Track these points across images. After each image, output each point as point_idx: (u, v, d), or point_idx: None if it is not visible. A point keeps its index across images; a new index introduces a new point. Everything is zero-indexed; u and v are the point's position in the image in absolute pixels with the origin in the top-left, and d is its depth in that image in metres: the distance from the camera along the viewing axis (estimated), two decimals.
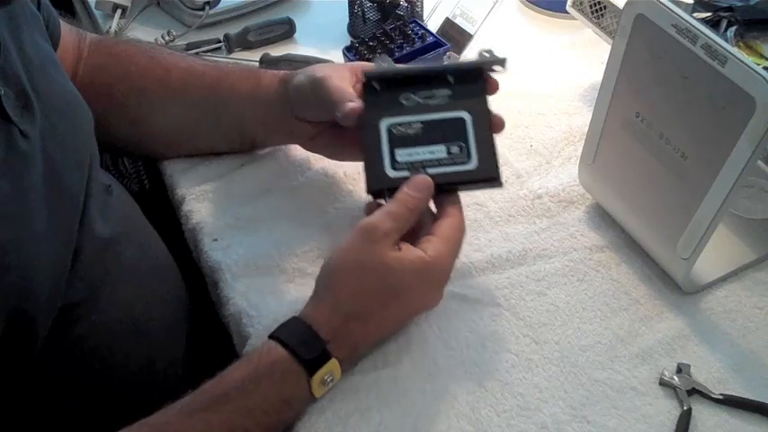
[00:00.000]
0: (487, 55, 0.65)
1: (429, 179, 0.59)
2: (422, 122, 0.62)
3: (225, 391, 0.53)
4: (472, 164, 0.60)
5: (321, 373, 0.54)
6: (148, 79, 0.74)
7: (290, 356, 0.53)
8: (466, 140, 0.61)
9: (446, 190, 0.60)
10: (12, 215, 0.51)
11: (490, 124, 0.62)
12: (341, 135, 0.69)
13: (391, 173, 0.60)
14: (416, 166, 0.60)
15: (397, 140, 0.61)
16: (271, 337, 0.55)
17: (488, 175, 0.59)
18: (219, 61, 0.83)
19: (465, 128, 0.61)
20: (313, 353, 0.54)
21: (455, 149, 0.60)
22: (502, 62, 0.64)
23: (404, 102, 0.63)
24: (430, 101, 0.63)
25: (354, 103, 0.62)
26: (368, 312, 0.56)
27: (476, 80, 0.63)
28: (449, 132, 0.61)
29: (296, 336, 0.54)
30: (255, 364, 0.54)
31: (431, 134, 0.61)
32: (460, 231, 0.58)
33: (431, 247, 0.56)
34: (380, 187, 0.60)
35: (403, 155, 0.60)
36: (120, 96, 0.74)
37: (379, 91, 0.64)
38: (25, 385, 0.57)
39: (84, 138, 0.64)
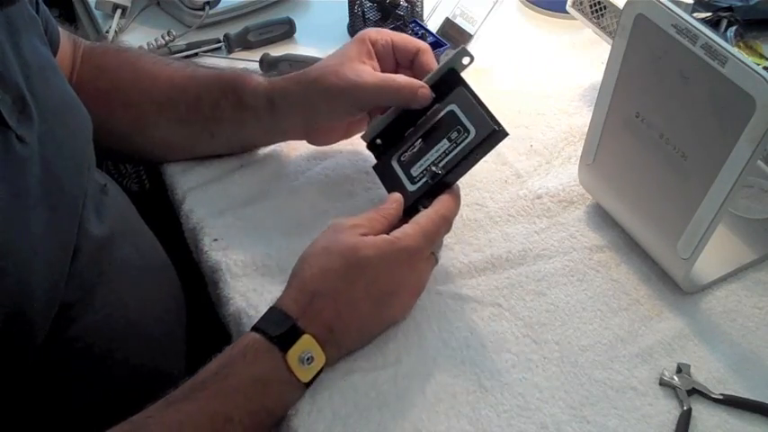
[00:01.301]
0: (446, 57, 0.68)
1: (398, 194, 0.63)
2: (421, 137, 0.66)
3: (201, 380, 0.53)
4: (471, 134, 0.63)
5: (295, 349, 0.54)
6: (133, 94, 0.74)
7: (260, 337, 0.54)
8: (460, 122, 0.64)
9: (466, 169, 0.63)
10: (9, 219, 0.51)
11: (476, 98, 0.65)
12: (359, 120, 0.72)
13: (412, 187, 0.63)
14: (428, 169, 0.63)
15: (408, 163, 0.65)
16: (249, 330, 0.56)
17: (488, 131, 0.62)
18: (200, 63, 0.82)
19: (456, 115, 0.64)
20: (281, 329, 0.54)
21: (454, 134, 0.63)
22: (466, 53, 0.67)
23: (406, 135, 0.67)
24: (423, 121, 0.67)
25: (424, 88, 0.66)
26: (334, 290, 0.56)
27: (454, 80, 0.67)
28: (445, 127, 0.65)
29: (266, 320, 0.56)
30: (230, 352, 0.54)
31: (431, 139, 0.65)
32: (434, 220, 0.60)
33: (398, 230, 0.59)
34: (409, 204, 0.63)
35: (416, 168, 0.64)
36: (110, 109, 0.73)
37: (384, 143, 0.68)
38: (23, 386, 0.57)
39: (83, 141, 0.64)
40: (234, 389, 0.53)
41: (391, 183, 0.65)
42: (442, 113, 0.66)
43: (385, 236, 0.58)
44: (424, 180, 0.63)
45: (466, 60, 0.67)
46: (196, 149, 0.76)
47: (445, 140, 0.63)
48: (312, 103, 0.69)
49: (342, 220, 0.60)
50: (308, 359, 0.55)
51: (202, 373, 0.54)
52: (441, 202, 0.61)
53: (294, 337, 0.54)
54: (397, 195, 0.63)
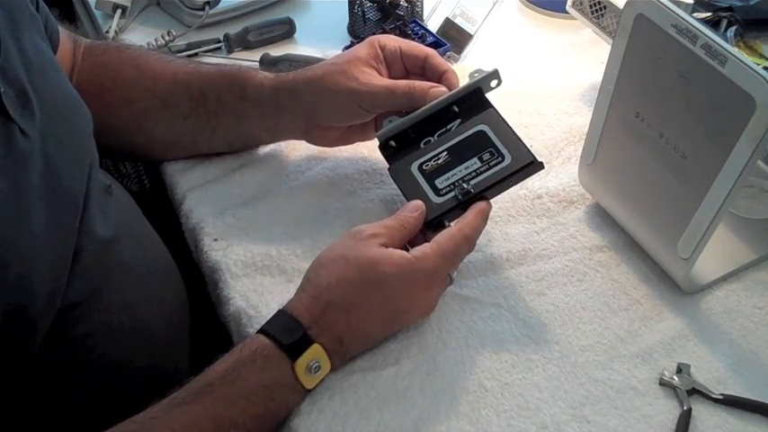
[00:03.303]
0: (477, 76, 0.67)
1: (420, 202, 0.61)
2: (447, 150, 0.65)
3: (208, 382, 0.53)
4: (507, 160, 0.62)
5: (304, 358, 0.54)
6: (135, 91, 0.74)
7: (270, 343, 0.54)
8: (493, 145, 0.64)
9: (498, 192, 0.63)
10: (10, 213, 0.51)
11: (508, 124, 0.65)
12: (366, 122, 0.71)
13: (438, 200, 0.62)
14: (457, 184, 0.62)
15: (432, 174, 0.64)
16: (258, 332, 0.56)
17: (526, 161, 0.62)
18: (203, 63, 0.82)
19: (487, 136, 0.64)
20: (292, 337, 0.54)
21: (486, 156, 0.63)
22: (496, 75, 0.67)
23: (423, 145, 0.66)
24: (445, 134, 0.66)
25: (436, 87, 0.66)
26: (349, 302, 0.56)
27: (479, 99, 0.67)
28: (475, 146, 0.64)
29: (277, 324, 0.56)
30: (238, 355, 0.54)
31: (460, 155, 0.64)
32: (456, 241, 0.58)
33: (418, 248, 0.58)
34: (433, 217, 0.62)
35: (442, 181, 0.63)
36: (111, 106, 0.73)
37: (397, 146, 0.67)
38: (26, 384, 0.57)
39: (84, 138, 0.64)
40: (241, 394, 0.53)
41: (411, 190, 0.64)
42: (471, 131, 0.65)
43: (404, 253, 0.57)
44: (451, 195, 0.62)
45: (494, 83, 0.67)
46: (197, 146, 0.76)
47: (476, 159, 0.63)
48: (317, 99, 0.69)
49: (361, 228, 0.59)
50: (315, 368, 0.55)
51: (209, 375, 0.54)
52: (465, 221, 0.60)
53: (304, 346, 0.54)
54: (418, 203, 0.61)
